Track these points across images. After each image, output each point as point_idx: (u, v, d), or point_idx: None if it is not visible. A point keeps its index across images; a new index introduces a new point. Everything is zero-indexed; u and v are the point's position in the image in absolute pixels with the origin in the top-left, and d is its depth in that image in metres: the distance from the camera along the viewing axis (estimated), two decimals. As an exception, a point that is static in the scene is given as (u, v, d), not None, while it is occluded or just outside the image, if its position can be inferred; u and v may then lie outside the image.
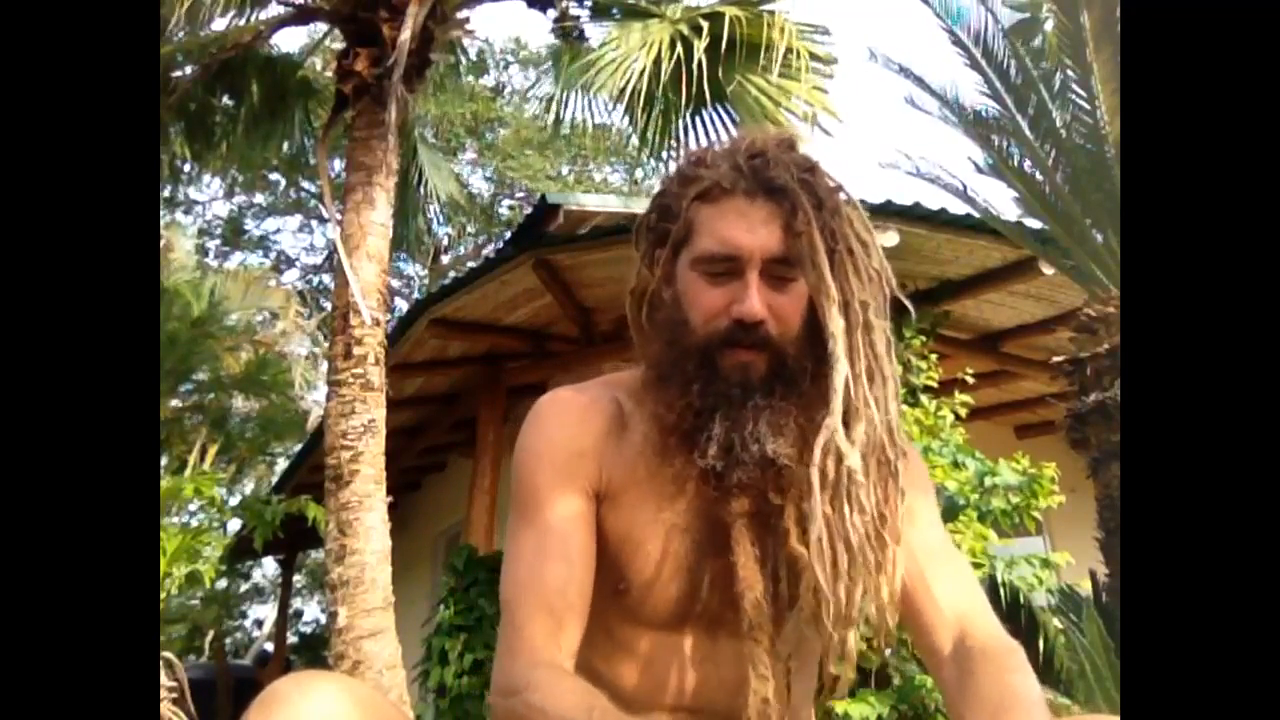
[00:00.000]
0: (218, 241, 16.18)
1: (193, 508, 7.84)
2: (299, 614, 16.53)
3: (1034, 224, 3.70)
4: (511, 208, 15.86)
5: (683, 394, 0.93)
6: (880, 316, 0.92)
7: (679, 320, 0.96)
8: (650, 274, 1.02)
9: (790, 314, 0.93)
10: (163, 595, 4.73)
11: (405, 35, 4.13)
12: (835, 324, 0.89)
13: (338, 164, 8.50)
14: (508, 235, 11.63)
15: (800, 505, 0.89)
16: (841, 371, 0.88)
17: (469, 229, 15.94)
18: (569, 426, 0.99)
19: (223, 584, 12.50)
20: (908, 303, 1.01)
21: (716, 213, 0.94)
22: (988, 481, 3.93)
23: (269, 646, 14.76)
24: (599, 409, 1.01)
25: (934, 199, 5.27)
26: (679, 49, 4.22)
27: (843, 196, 0.96)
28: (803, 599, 0.88)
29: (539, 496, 0.96)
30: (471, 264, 11.76)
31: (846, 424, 0.88)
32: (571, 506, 0.95)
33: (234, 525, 7.77)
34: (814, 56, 4.41)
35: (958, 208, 4.26)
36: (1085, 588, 3.07)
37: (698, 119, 4.78)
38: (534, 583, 0.93)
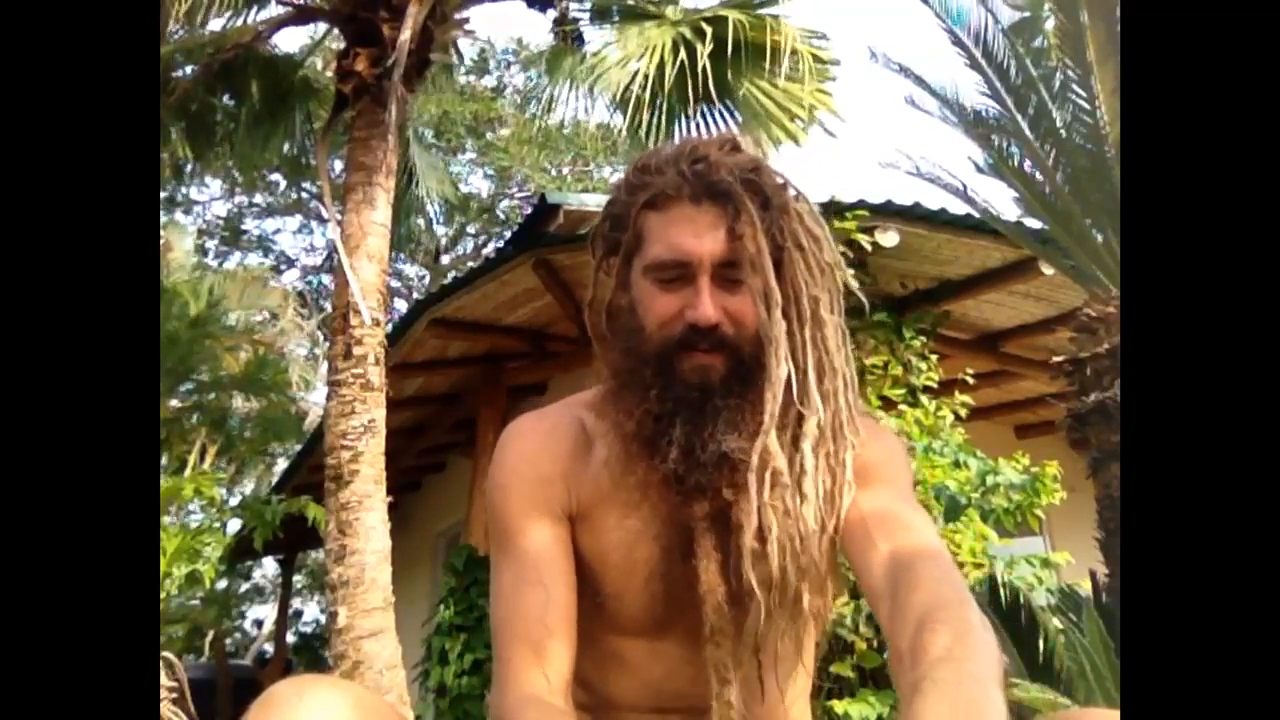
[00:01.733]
0: (217, 242, 16.19)
1: (193, 508, 7.84)
2: (299, 614, 16.54)
3: (1034, 224, 3.71)
4: (511, 208, 15.87)
5: (642, 400, 0.94)
6: (831, 311, 0.95)
7: (635, 328, 0.97)
8: (606, 283, 1.03)
9: (745, 314, 0.94)
10: (163, 595, 4.73)
11: (405, 35, 4.13)
12: (777, 328, 0.91)
13: (338, 164, 8.50)
14: (508, 235, 11.64)
15: (750, 500, 0.91)
16: (782, 375, 0.90)
17: (469, 229, 15.95)
18: (533, 455, 1.00)
19: (223, 584, 12.50)
20: (862, 297, 1.03)
21: (664, 220, 0.95)
22: (989, 480, 3.93)
23: (269, 646, 14.77)
24: (561, 432, 1.02)
25: (934, 199, 5.27)
26: (682, 52, 4.23)
27: (791, 193, 0.98)
28: (756, 593, 0.88)
29: (511, 528, 0.98)
30: (471, 264, 11.77)
31: (800, 419, 0.91)
32: (543, 533, 0.97)
33: (234, 525, 7.76)
34: (816, 58, 4.41)
35: (958, 208, 4.26)
36: (1085, 588, 3.07)
37: (700, 121, 4.79)
38: (514, 615, 0.94)
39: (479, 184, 15.82)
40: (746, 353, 0.93)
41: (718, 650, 0.93)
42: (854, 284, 1.00)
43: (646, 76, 4.19)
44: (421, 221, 6.49)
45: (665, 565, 0.96)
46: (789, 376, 0.91)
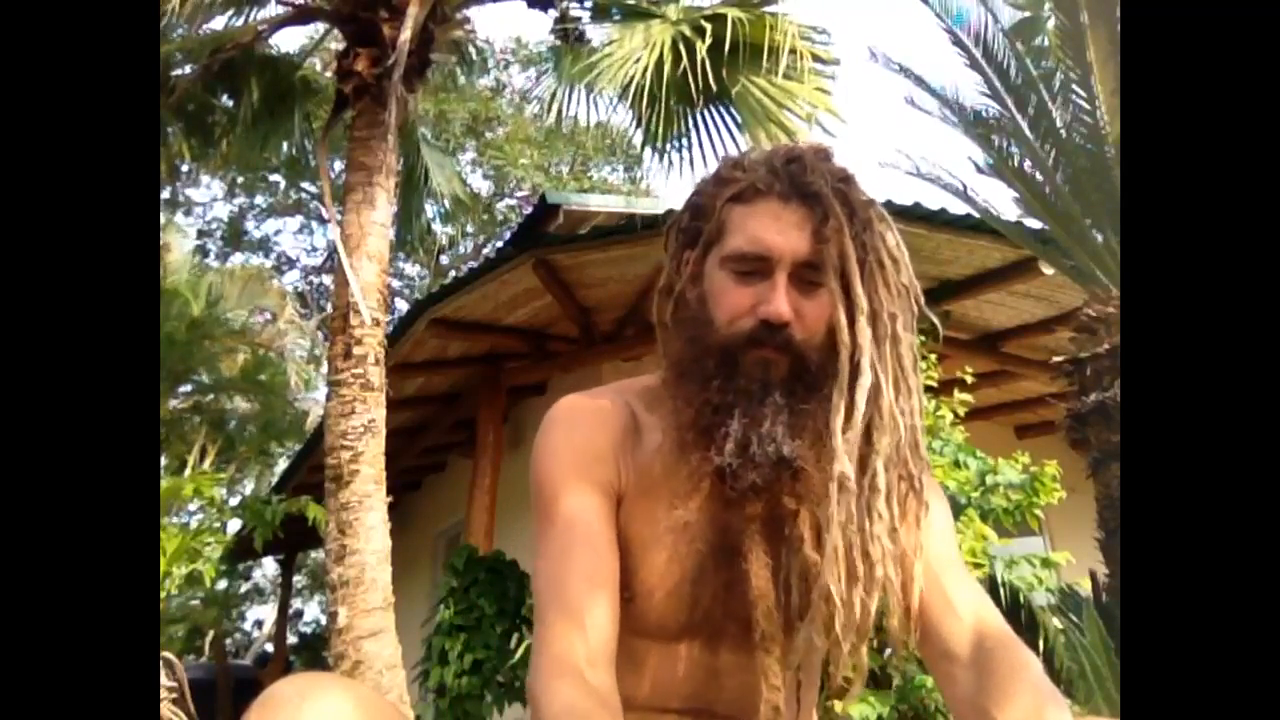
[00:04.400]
0: (219, 243, 16.19)
1: (193, 508, 7.85)
2: (299, 614, 16.53)
3: (1034, 224, 3.71)
4: (511, 208, 15.86)
5: (702, 389, 0.92)
6: (908, 330, 0.94)
7: (703, 319, 0.96)
8: (678, 274, 1.02)
9: (815, 319, 0.93)
10: (163, 595, 4.74)
11: (405, 35, 4.13)
12: (863, 334, 0.89)
13: (338, 164, 8.51)
14: (508, 235, 11.63)
15: (815, 511, 0.89)
16: (866, 380, 0.88)
17: (469, 229, 15.94)
18: (586, 430, 0.98)
19: (223, 584, 12.49)
20: (936, 320, 1.04)
21: (750, 213, 0.95)
22: (989, 480, 3.92)
23: (269, 646, 14.77)
24: (614, 413, 1.00)
25: (934, 199, 5.28)
26: (681, 50, 4.23)
27: (876, 211, 0.97)
28: (814, 608, 0.86)
29: (559, 495, 0.95)
30: (471, 264, 11.77)
31: (870, 434, 0.88)
32: (593, 502, 0.94)
33: (234, 525, 7.77)
34: (816, 58, 4.41)
35: (958, 208, 4.26)
36: (1085, 588, 3.07)
37: (700, 120, 4.78)
38: (555, 579, 0.91)
39: (479, 184, 15.82)
40: (812, 359, 0.92)
41: (768, 657, 0.91)
42: (930, 314, 1.00)
43: (646, 75, 4.18)
44: (423, 221, 6.46)
45: (704, 567, 0.95)
46: (872, 387, 0.88)
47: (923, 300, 0.98)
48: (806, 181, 0.94)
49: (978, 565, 3.57)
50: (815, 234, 0.92)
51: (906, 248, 1.01)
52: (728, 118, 4.76)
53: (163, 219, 11.61)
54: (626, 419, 1.00)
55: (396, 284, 15.20)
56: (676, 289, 1.01)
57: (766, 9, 4.38)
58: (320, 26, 5.72)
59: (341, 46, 4.64)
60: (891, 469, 0.88)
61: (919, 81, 3.58)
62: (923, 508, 0.91)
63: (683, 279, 1.00)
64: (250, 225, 16.44)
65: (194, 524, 7.19)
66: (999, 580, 2.78)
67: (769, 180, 0.95)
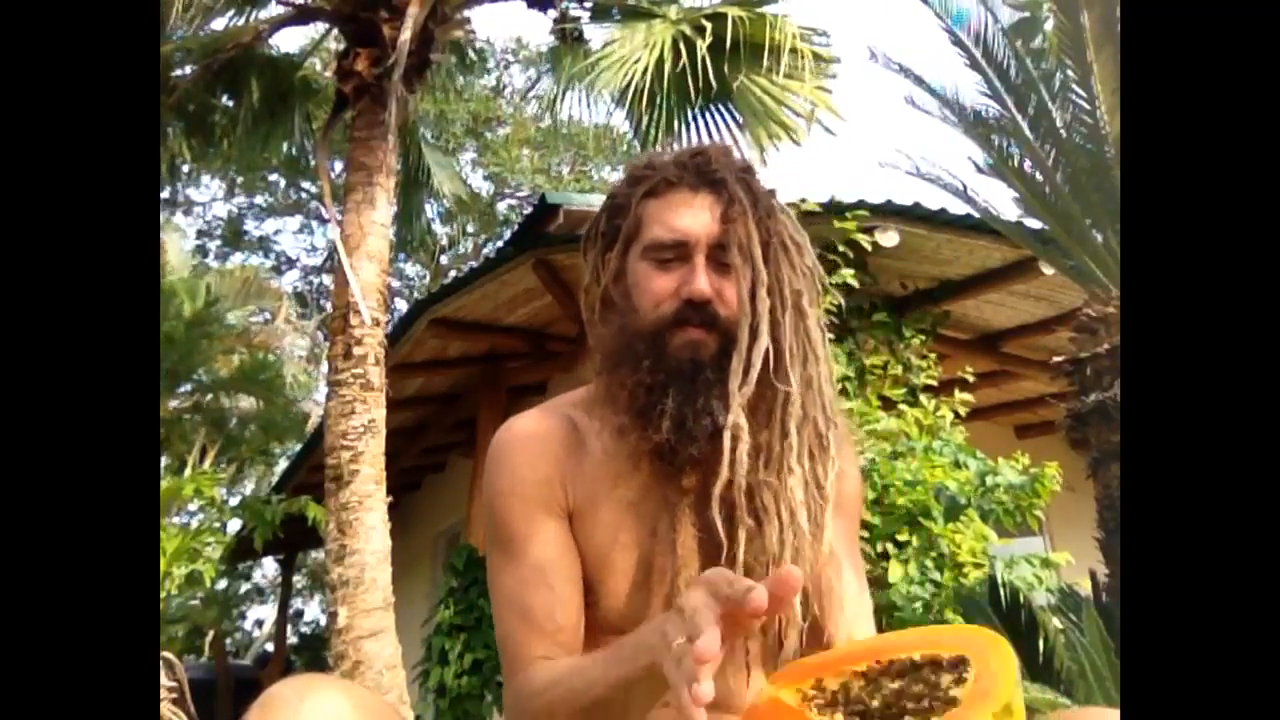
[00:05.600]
0: (218, 243, 16.19)
1: (193, 508, 7.85)
2: (299, 614, 16.53)
3: (1034, 224, 3.71)
4: (512, 208, 15.87)
5: (634, 372, 0.97)
6: (813, 306, 1.00)
7: (629, 309, 1.01)
8: (602, 273, 1.07)
9: (734, 298, 0.97)
10: (163, 595, 4.74)
11: (405, 35, 4.13)
12: (762, 304, 0.95)
13: (338, 164, 8.50)
14: (508, 235, 11.64)
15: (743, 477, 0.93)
16: (763, 344, 0.94)
17: (469, 229, 15.95)
18: (530, 457, 1.01)
19: (223, 584, 12.50)
20: (837, 299, 1.12)
21: (664, 204, 1.01)
22: (989, 480, 3.93)
23: (269, 646, 14.77)
24: (554, 432, 1.03)
25: (934, 199, 5.28)
26: (681, 49, 4.23)
27: (777, 202, 1.03)
28: (747, 570, 0.89)
29: (515, 532, 0.99)
30: (471, 264, 11.76)
31: (781, 396, 0.94)
32: (547, 534, 0.98)
33: (234, 525, 7.77)
34: (816, 57, 4.41)
35: (958, 208, 4.26)
36: (1085, 588, 3.07)
37: (700, 119, 4.78)
38: (521, 617, 0.96)
39: (479, 184, 15.83)
40: (737, 335, 0.96)
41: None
42: (833, 290, 1.07)
43: (646, 74, 4.19)
44: (423, 221, 6.46)
45: (649, 545, 0.98)
46: (768, 352, 0.94)
47: (827, 281, 1.05)
48: (711, 170, 1.00)
49: (978, 565, 3.57)
50: (723, 216, 0.98)
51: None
52: (728, 117, 4.76)
53: (162, 218, 11.61)
54: (567, 433, 1.03)
55: (396, 284, 15.19)
56: (601, 286, 1.06)
57: (766, 8, 4.38)
58: (320, 26, 5.72)
59: (341, 46, 4.65)
60: (804, 429, 0.94)
61: (919, 81, 3.58)
62: (831, 463, 0.96)
63: (606, 277, 1.06)
64: (250, 225, 16.46)
65: (194, 524, 7.19)
66: (999, 580, 2.78)
67: (677, 173, 1.01)
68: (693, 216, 0.99)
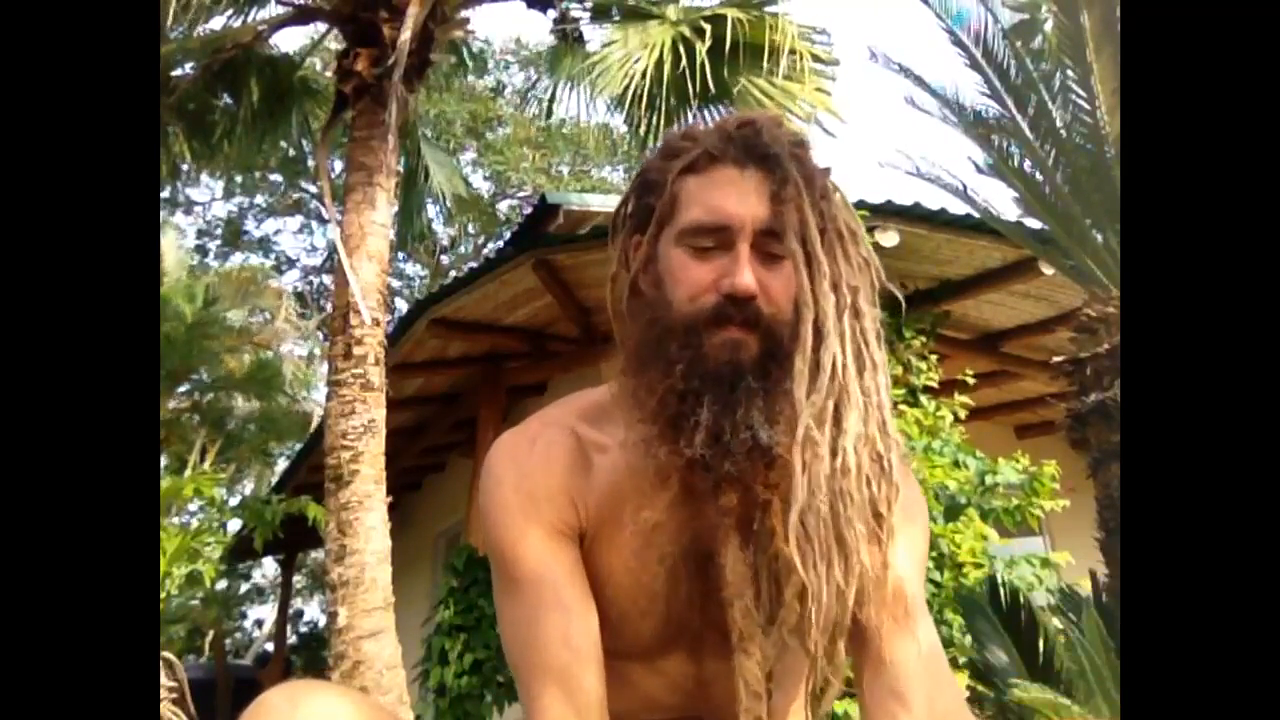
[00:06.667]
0: (218, 243, 16.19)
1: (193, 508, 7.86)
2: (299, 614, 16.53)
3: (1034, 224, 3.70)
4: (512, 208, 15.87)
5: (665, 376, 0.84)
6: (870, 305, 0.86)
7: (661, 302, 0.88)
8: (630, 259, 0.94)
9: (781, 294, 0.85)
10: (163, 595, 4.74)
11: (405, 35, 4.13)
12: (826, 300, 0.82)
13: (338, 164, 8.50)
14: (508, 235, 11.64)
15: (788, 500, 0.80)
16: (833, 344, 0.81)
17: (469, 229, 15.95)
18: (530, 472, 0.90)
19: (223, 584, 12.50)
20: (899, 293, 0.94)
21: (705, 182, 0.88)
22: (989, 480, 3.93)
23: (269, 646, 14.77)
24: (558, 445, 0.92)
25: (934, 199, 5.28)
26: (681, 51, 4.23)
27: (832, 181, 0.90)
28: (786, 606, 0.79)
29: (517, 552, 0.88)
30: (471, 264, 11.76)
31: (837, 411, 0.80)
32: (552, 553, 0.88)
33: (234, 525, 7.77)
34: (816, 58, 4.42)
35: (958, 208, 4.26)
36: (1085, 588, 3.07)
37: (700, 120, 4.78)
38: (533, 646, 0.85)
39: (479, 184, 15.83)
40: (782, 337, 0.84)
41: (747, 660, 0.84)
42: (889, 284, 0.91)
43: (646, 75, 4.19)
44: (423, 221, 6.47)
45: (677, 576, 0.88)
46: (835, 361, 0.80)
47: (883, 275, 0.89)
48: (761, 143, 0.86)
49: (978, 565, 3.57)
50: (774, 197, 0.85)
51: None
52: (728, 117, 4.76)
53: (162, 218, 11.61)
54: (571, 446, 0.92)
55: (396, 284, 15.21)
56: (631, 275, 0.93)
57: (766, 9, 4.39)
58: (320, 26, 5.72)
59: (341, 46, 4.64)
60: (862, 449, 0.80)
61: (919, 81, 3.58)
62: (894, 490, 0.81)
63: (636, 264, 0.93)
64: (250, 225, 16.46)
65: (194, 524, 7.19)
66: (999, 580, 2.78)
67: (721, 146, 0.88)
68: (739, 197, 0.85)
